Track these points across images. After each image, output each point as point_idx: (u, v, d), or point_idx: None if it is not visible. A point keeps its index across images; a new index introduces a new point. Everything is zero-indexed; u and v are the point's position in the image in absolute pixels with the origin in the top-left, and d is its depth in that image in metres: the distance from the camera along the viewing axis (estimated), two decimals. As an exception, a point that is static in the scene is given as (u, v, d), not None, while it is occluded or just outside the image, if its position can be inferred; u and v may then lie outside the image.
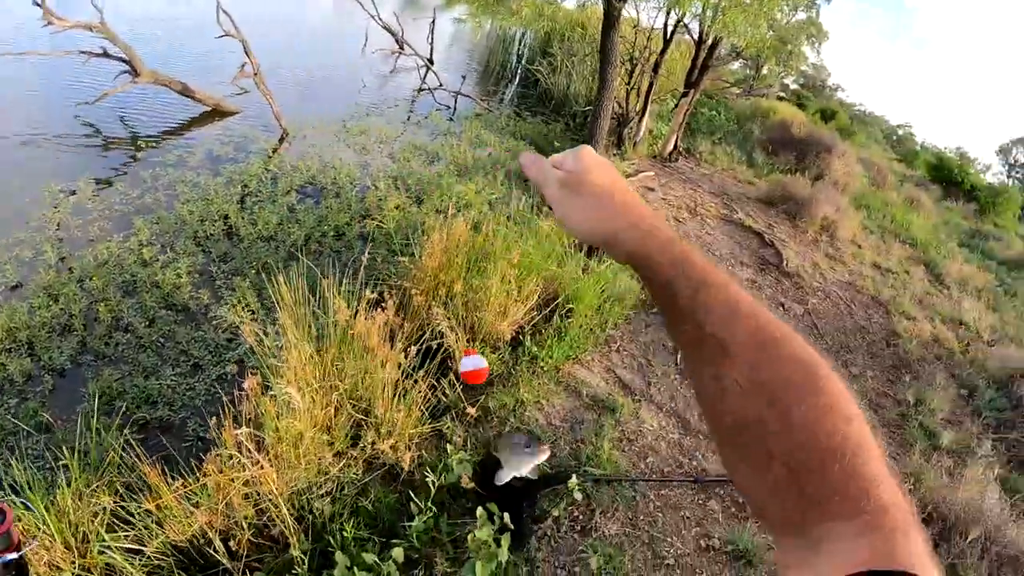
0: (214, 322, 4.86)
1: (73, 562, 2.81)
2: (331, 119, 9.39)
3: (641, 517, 3.80)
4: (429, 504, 3.22)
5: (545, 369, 4.54)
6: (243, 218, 6.24)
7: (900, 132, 34.96)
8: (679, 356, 5.07)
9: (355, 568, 3.05)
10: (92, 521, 2.88)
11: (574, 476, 3.61)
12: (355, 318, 3.72)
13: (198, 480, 3.05)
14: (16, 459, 2.99)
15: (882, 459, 0.55)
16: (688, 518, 3.89)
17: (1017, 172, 33.23)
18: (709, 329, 0.65)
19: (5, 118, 7.45)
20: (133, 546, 2.90)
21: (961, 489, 4.29)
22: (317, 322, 3.92)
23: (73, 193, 6.17)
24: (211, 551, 3.02)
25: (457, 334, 4.27)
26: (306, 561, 3.10)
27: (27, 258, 5.17)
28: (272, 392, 3.37)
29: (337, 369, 3.68)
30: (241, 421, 3.26)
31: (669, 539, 3.73)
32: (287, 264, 5.47)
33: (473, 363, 4.13)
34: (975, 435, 5.38)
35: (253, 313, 4.82)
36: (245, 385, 3.27)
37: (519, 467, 3.40)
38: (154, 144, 7.56)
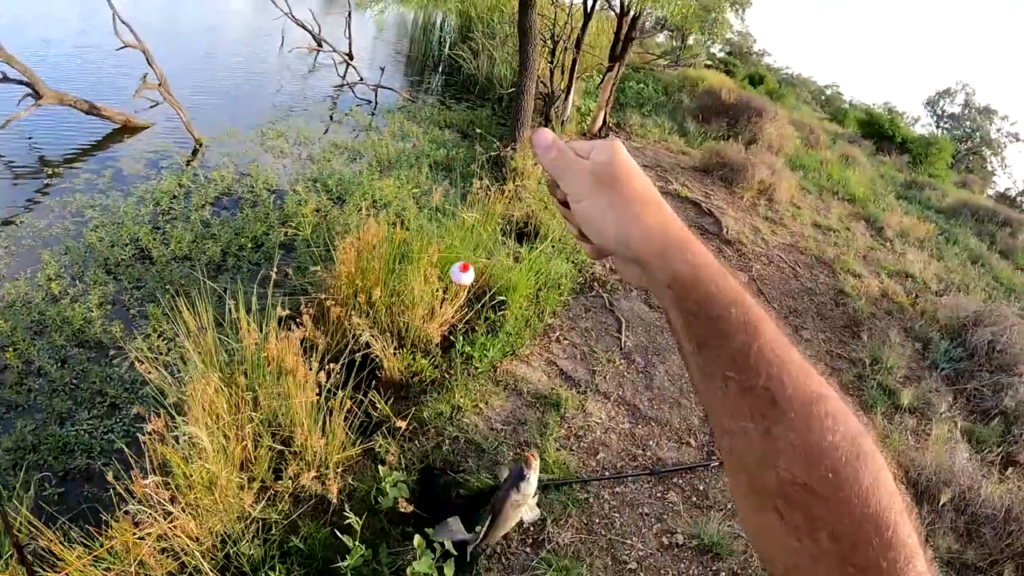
0: (127, 357, 4.53)
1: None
2: (247, 124, 8.98)
3: (597, 520, 3.60)
4: (357, 543, 2.95)
5: (481, 370, 4.32)
6: (155, 239, 5.90)
7: (828, 92, 35.68)
8: (623, 339, 4.88)
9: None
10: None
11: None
12: (266, 339, 3.44)
13: (102, 545, 2.74)
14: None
15: (914, 522, 0.55)
16: (647, 515, 3.71)
17: (945, 123, 34.00)
18: (764, 382, 0.59)
19: None
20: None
21: (929, 449, 4.20)
22: (227, 348, 3.63)
23: None
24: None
25: (382, 341, 4.00)
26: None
27: None
28: (176, 434, 3.06)
29: (251, 398, 3.38)
30: (150, 469, 2.96)
31: (629, 540, 3.54)
32: (205, 283, 5.14)
33: (458, 277, 3.86)
34: (935, 390, 5.34)
35: (169, 341, 4.49)
36: (147, 428, 2.97)
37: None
38: (63, 169, 7.10)
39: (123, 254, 5.65)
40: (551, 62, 9.20)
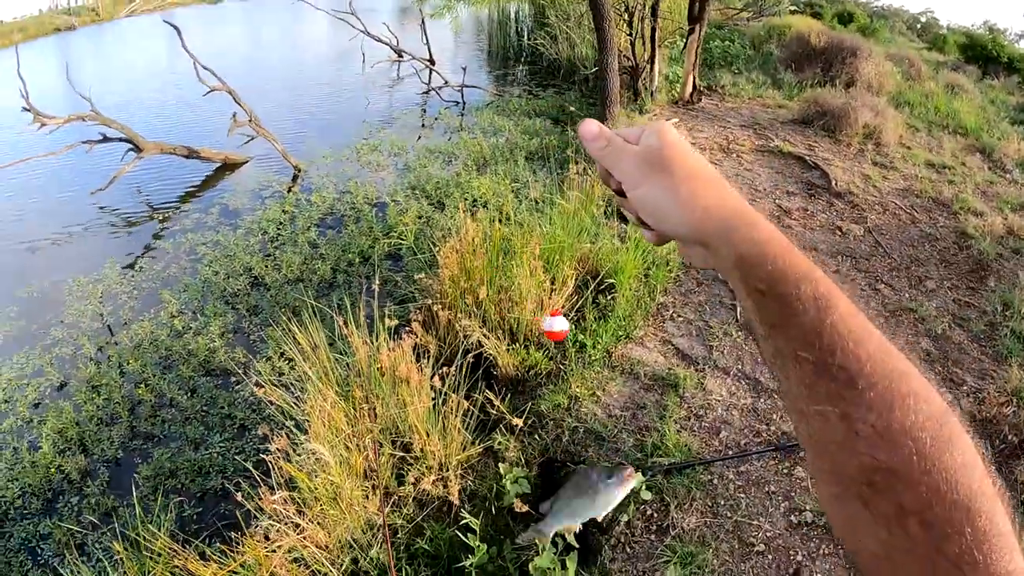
0: (253, 380, 4.81)
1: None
2: (342, 144, 9.24)
3: (722, 502, 3.44)
4: (479, 543, 2.95)
5: (595, 357, 4.21)
6: (266, 266, 6.18)
7: (923, 19, 32.87)
8: (739, 310, 4.67)
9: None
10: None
11: (639, 474, 3.28)
12: (378, 350, 3.51)
13: (234, 560, 2.88)
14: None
15: (1007, 509, 0.51)
16: (774, 493, 3.51)
17: (1053, 33, 30.55)
18: (840, 360, 0.55)
19: (28, 224, 7.56)
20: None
21: None
22: (341, 363, 3.75)
23: (100, 281, 6.20)
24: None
25: (494, 339, 4.01)
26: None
27: (67, 355, 5.24)
28: (300, 451, 3.18)
29: (368, 409, 3.47)
30: (277, 485, 3.09)
31: (756, 522, 3.36)
32: (310, 304, 5.38)
33: (549, 324, 3.77)
34: None
35: (290, 361, 4.72)
36: (272, 448, 3.10)
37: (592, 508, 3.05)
38: (171, 213, 7.55)
39: (238, 284, 5.94)
40: (630, 34, 8.95)
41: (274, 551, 2.87)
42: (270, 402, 3.63)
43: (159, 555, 2.90)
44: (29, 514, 4.00)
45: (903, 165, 7.88)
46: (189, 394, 4.77)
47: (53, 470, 4.20)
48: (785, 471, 3.64)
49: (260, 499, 2.90)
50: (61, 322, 5.62)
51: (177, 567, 2.83)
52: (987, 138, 9.20)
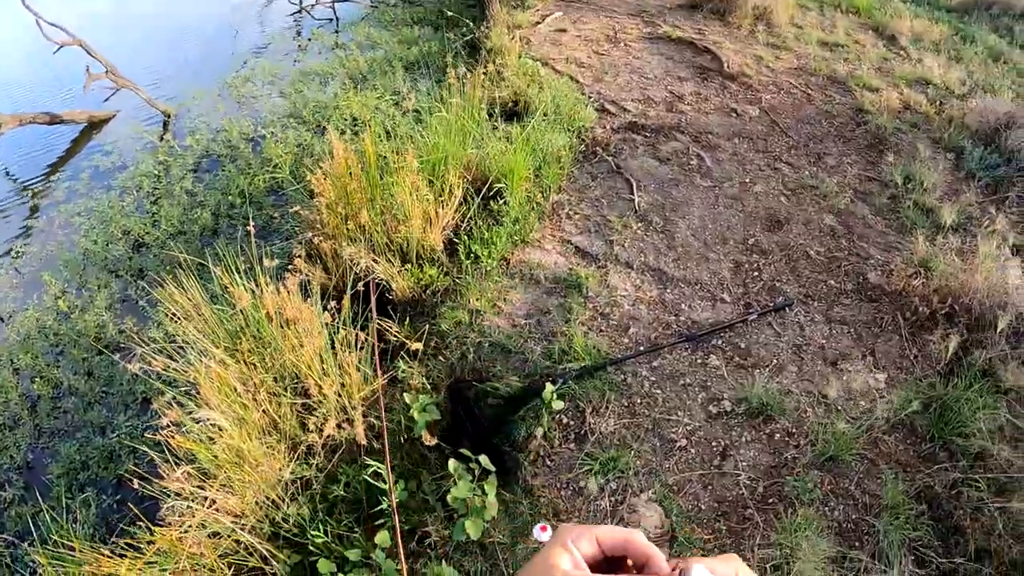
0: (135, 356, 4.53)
1: None
2: (212, 81, 8.57)
3: (638, 401, 3.39)
4: (393, 480, 2.83)
5: (492, 266, 4.05)
6: (145, 224, 5.77)
7: None
8: (636, 200, 4.55)
9: (343, 573, 2.73)
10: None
11: (548, 384, 3.19)
12: (262, 296, 3.27)
13: (143, 551, 2.69)
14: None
15: None
16: (690, 385, 3.48)
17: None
18: None
19: None
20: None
21: (978, 270, 3.82)
22: (226, 316, 3.49)
23: None
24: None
25: (383, 262, 3.80)
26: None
27: None
28: (193, 418, 2.96)
29: (258, 360, 3.25)
30: (178, 461, 2.89)
31: (675, 416, 3.34)
32: (201, 252, 5.05)
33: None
34: (975, 203, 4.87)
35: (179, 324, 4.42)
36: (163, 424, 2.88)
37: None
38: (41, 187, 6.91)
39: (118, 250, 5.54)
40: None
41: (186, 532, 2.70)
42: (156, 374, 3.37)
43: (80, 562, 2.69)
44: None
45: (796, 45, 7.75)
46: (86, 377, 4.54)
47: (-39, 488, 3.98)
48: (699, 361, 3.60)
49: (164, 479, 2.72)
50: (-58, 334, 5.16)
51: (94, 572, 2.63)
52: (880, 16, 9.12)
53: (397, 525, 2.59)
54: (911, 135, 5.80)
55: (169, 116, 7.70)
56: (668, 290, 3.98)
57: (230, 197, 5.90)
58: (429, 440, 2.92)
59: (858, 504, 3.05)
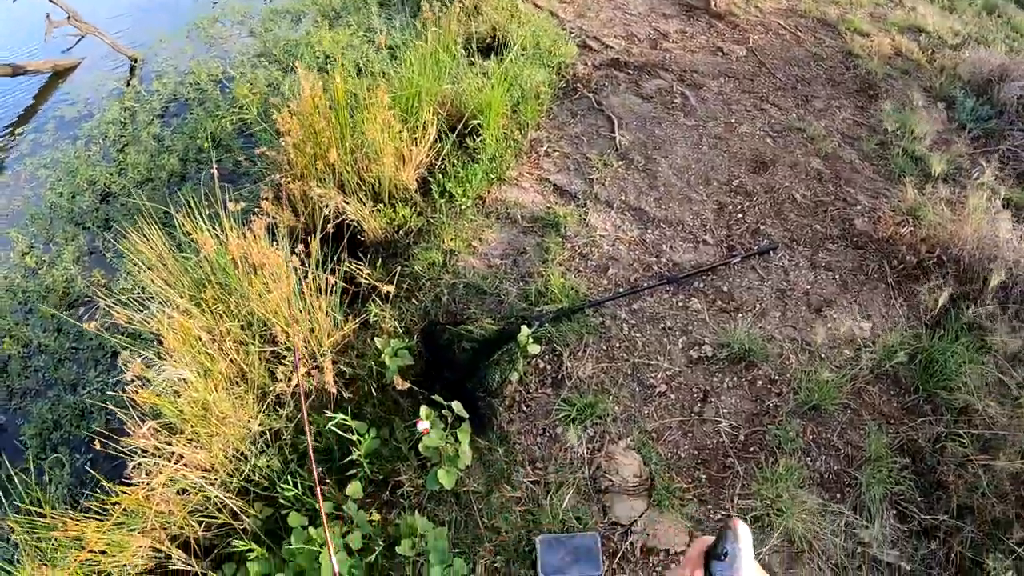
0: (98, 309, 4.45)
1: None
2: (180, 23, 8.24)
3: (617, 345, 3.29)
4: (363, 429, 2.75)
5: (467, 205, 3.92)
6: (111, 173, 5.60)
7: None
8: (618, 138, 4.40)
9: (313, 526, 2.66)
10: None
11: (524, 327, 3.09)
12: (226, 241, 3.13)
13: (108, 512, 2.61)
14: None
15: None
16: (671, 329, 3.38)
17: None
18: None
19: None
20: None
21: (968, 221, 3.70)
22: (191, 264, 3.36)
23: None
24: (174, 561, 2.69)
25: (354, 202, 3.67)
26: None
27: None
28: (156, 372, 2.84)
29: (224, 308, 3.13)
30: (144, 416, 2.79)
31: (654, 361, 3.25)
32: (169, 199, 4.90)
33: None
34: (966, 154, 4.72)
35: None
36: (127, 378, 2.77)
37: None
38: (5, 142, 6.68)
39: (85, 201, 5.39)
40: None
41: (153, 490, 2.61)
42: (119, 327, 3.26)
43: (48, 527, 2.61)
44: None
45: (786, -14, 7.48)
46: (56, 334, 4.48)
47: (-60, 462, 3.95)
48: (680, 304, 3.50)
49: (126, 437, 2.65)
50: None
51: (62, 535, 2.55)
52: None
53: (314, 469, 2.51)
54: (902, 82, 5.63)
55: (136, 61, 7.42)
56: (649, 230, 3.86)
57: (198, 141, 5.71)
58: (401, 385, 2.82)
59: (840, 455, 3.00)
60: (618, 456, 2.92)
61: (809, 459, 2.98)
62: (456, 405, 2.71)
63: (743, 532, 0.90)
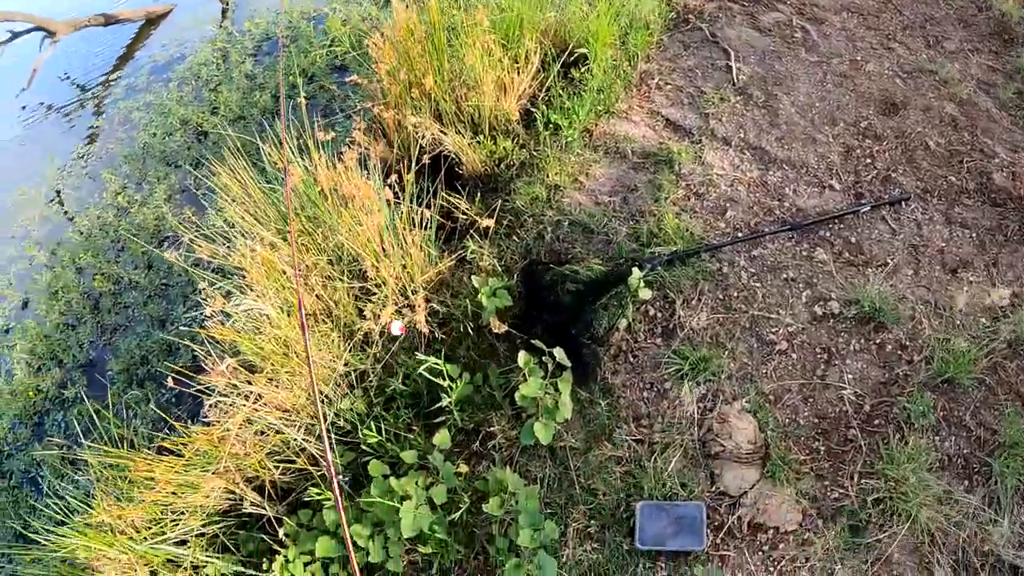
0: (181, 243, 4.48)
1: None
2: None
3: (734, 294, 2.98)
4: (454, 373, 2.54)
5: (573, 137, 3.63)
6: (203, 112, 5.61)
7: None
8: (735, 72, 4.01)
9: (396, 476, 2.49)
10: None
11: (635, 269, 2.79)
12: (314, 172, 2.97)
13: (182, 453, 2.50)
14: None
15: None
16: (794, 280, 3.05)
17: None
18: None
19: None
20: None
21: None
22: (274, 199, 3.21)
23: (42, 183, 5.69)
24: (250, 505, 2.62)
25: (452, 133, 3.46)
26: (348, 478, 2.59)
27: (23, 271, 4.96)
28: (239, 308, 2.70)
29: (311, 242, 2.97)
30: (224, 353, 2.67)
31: (775, 314, 2.92)
32: (228, 134, 4.88)
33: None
34: None
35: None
36: (207, 313, 2.66)
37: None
38: (101, 89, 6.77)
39: (177, 141, 5.43)
40: None
41: (227, 431, 2.49)
42: (205, 263, 3.17)
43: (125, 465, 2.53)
44: (22, 444, 3.93)
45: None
46: (146, 271, 4.56)
47: (32, 393, 4.11)
48: (804, 254, 3.16)
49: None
50: (12, 237, 5.25)
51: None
52: None
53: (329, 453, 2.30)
54: (1040, 28, 4.98)
55: (227, 4, 7.38)
56: (770, 172, 3.50)
57: (291, 77, 5.60)
58: (498, 328, 2.60)
59: (971, 437, 2.64)
60: (732, 418, 2.63)
61: (938, 438, 2.64)
62: (558, 352, 2.47)
63: None
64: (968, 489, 2.52)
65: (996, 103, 4.10)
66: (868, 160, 3.64)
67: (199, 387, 2.56)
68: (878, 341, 2.88)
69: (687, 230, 3.14)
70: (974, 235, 3.31)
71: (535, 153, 3.56)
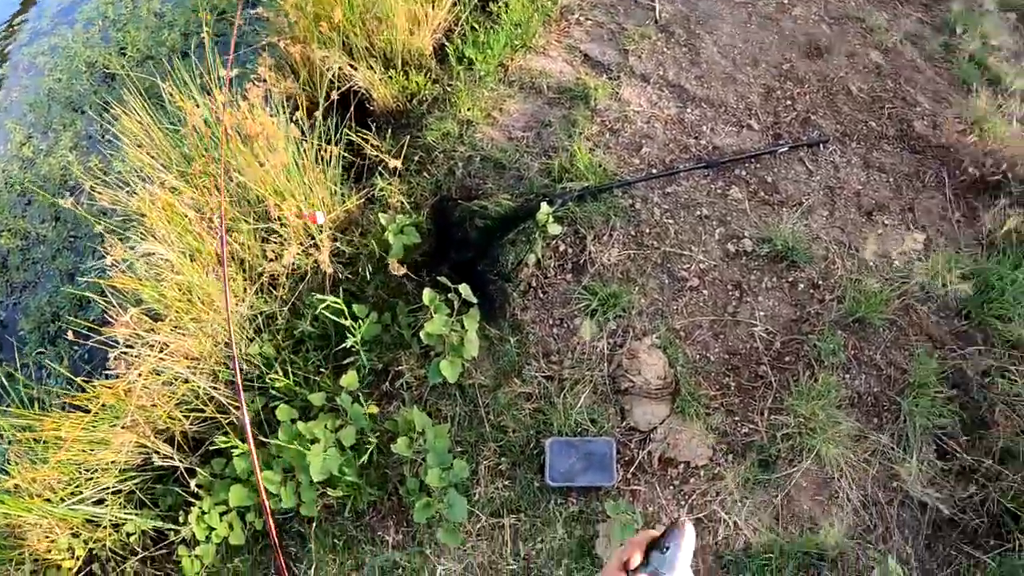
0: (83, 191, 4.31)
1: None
2: None
3: (647, 231, 2.96)
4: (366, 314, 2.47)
5: (487, 72, 3.54)
6: (110, 54, 5.31)
7: None
8: (658, 9, 3.94)
9: (304, 420, 2.43)
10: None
11: (544, 203, 2.74)
12: (215, 110, 2.82)
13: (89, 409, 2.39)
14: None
15: None
16: (707, 217, 3.04)
17: None
18: None
19: None
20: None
21: None
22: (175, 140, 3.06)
23: None
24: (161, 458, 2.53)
25: (363, 67, 3.34)
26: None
27: None
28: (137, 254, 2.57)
29: (214, 184, 2.84)
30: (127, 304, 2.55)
31: (688, 251, 2.92)
32: (129, 75, 4.66)
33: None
34: None
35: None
36: (107, 263, 2.53)
37: None
38: (6, 34, 6.36)
39: (83, 85, 5.15)
40: None
41: (133, 383, 2.39)
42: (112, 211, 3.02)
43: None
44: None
45: None
46: (53, 223, 4.40)
47: (-57, 362, 3.92)
48: (719, 191, 3.15)
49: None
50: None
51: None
52: None
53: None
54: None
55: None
56: (688, 109, 3.48)
57: (200, 14, 5.34)
58: (397, 270, 2.53)
59: (882, 376, 2.69)
60: (641, 354, 2.62)
61: (848, 376, 2.68)
62: (464, 288, 2.41)
63: (689, 534, 0.94)
64: (877, 427, 2.57)
65: (922, 54, 4.13)
66: (788, 102, 3.63)
67: (105, 340, 2.45)
68: (790, 280, 2.90)
69: (600, 166, 3.10)
70: (891, 180, 3.34)
71: (448, 88, 3.46)
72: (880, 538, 2.40)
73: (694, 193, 3.10)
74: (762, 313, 2.80)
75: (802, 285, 2.89)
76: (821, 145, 3.41)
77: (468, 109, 3.33)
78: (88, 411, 2.38)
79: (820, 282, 2.90)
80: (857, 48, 4.03)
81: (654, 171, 3.12)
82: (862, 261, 2.99)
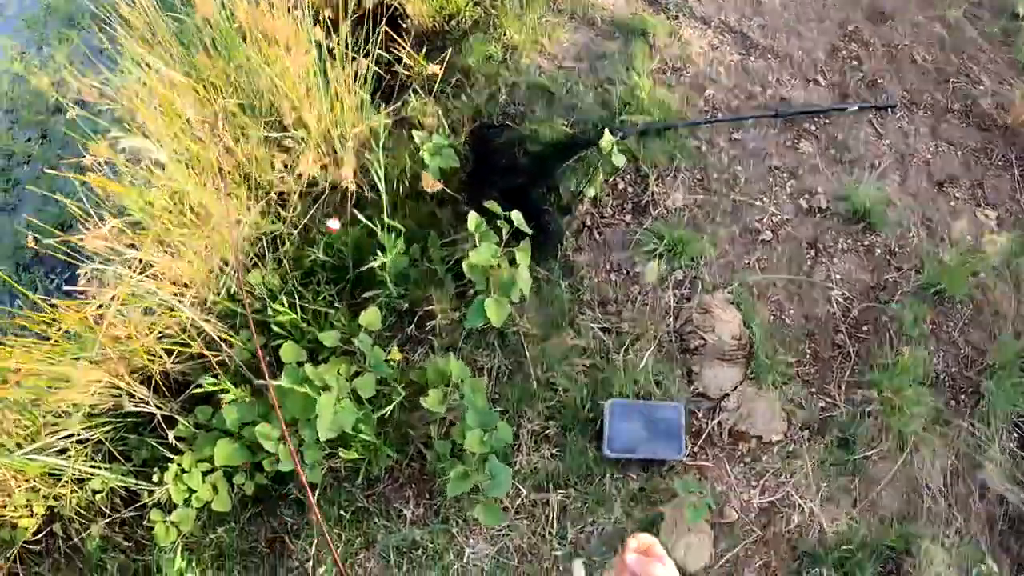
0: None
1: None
2: None
3: (714, 176, 2.67)
4: (390, 237, 2.10)
5: (537, -3, 3.23)
6: None
7: None
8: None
9: (313, 363, 2.05)
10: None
11: (607, 131, 2.39)
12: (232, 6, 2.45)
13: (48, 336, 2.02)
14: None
15: None
16: (778, 169, 2.77)
17: None
18: None
19: None
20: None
21: None
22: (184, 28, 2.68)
23: None
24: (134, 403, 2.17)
25: None
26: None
27: None
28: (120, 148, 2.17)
29: (224, 83, 2.46)
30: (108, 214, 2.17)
31: (759, 202, 2.63)
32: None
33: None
34: None
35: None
36: (86, 163, 2.16)
37: None
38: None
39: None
40: None
41: (104, 308, 2.03)
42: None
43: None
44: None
45: None
46: (40, 141, 4.25)
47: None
48: (788, 143, 2.89)
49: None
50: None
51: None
52: None
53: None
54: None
55: None
56: (752, 58, 3.21)
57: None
58: (432, 186, 2.15)
59: (959, 355, 2.44)
60: (715, 309, 2.30)
61: (926, 353, 2.41)
62: (516, 215, 2.04)
63: None
64: (956, 411, 2.32)
65: (983, 35, 3.92)
66: (854, 62, 3.38)
67: (75, 255, 2.12)
68: (866, 243, 2.64)
69: (663, 102, 2.79)
70: (959, 153, 3.12)
71: (491, 11, 3.11)
72: (958, 532, 2.14)
73: (762, 142, 2.83)
74: (838, 276, 2.54)
75: (879, 251, 2.63)
76: (889, 110, 3.17)
77: (514, 33, 2.99)
78: (48, 339, 2.01)
79: (896, 249, 2.66)
80: (920, 18, 3.79)
81: (720, 115, 2.82)
82: (935, 232, 2.75)
